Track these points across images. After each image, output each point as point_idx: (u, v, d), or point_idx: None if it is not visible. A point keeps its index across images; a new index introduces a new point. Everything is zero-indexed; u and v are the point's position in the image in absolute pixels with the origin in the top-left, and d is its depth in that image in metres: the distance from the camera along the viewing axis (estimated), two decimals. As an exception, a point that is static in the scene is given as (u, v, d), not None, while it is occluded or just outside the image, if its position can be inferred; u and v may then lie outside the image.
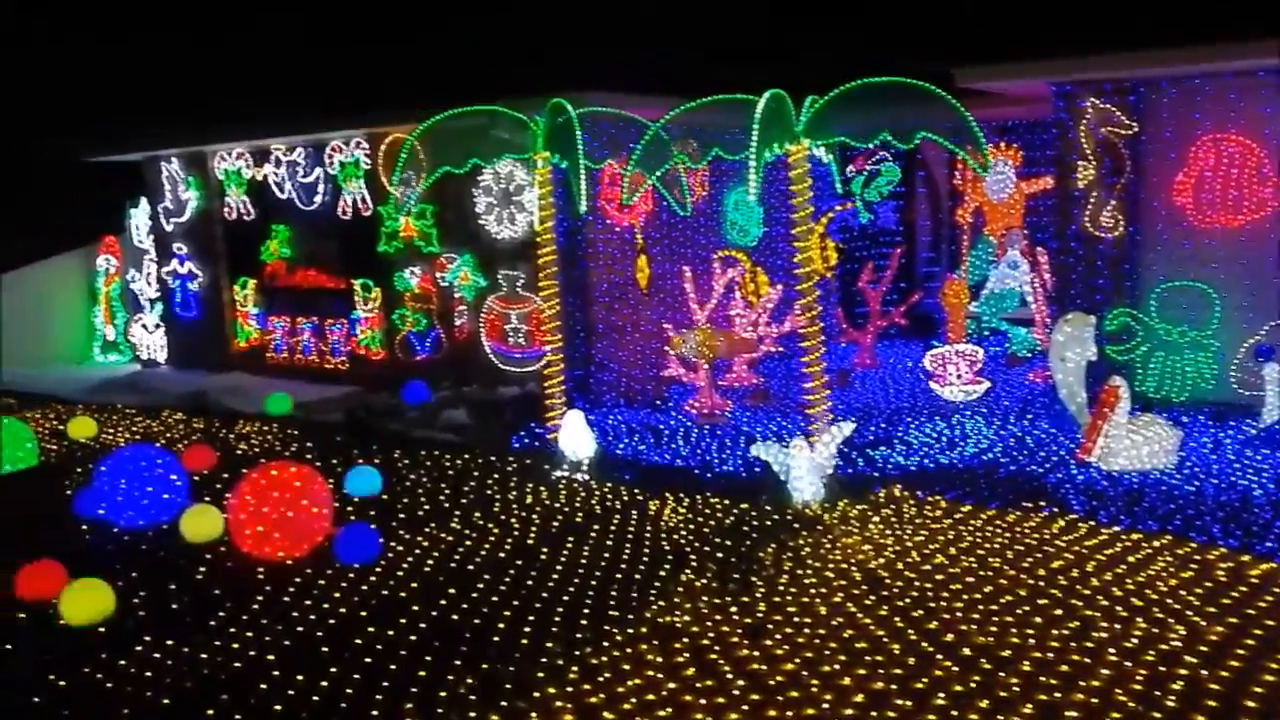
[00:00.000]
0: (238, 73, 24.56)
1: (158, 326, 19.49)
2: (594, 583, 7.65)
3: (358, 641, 6.83)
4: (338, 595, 7.70)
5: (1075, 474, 9.74)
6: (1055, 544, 8.00)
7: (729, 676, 6.07)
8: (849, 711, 5.62)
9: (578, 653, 6.47)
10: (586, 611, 7.11)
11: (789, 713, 5.64)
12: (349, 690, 6.16)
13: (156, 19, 25.62)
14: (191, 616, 7.43)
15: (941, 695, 5.70)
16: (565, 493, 10.05)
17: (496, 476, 10.76)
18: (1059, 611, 6.75)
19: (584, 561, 8.13)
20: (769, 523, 8.80)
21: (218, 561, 8.59)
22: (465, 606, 7.33)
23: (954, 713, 5.54)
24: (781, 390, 14.08)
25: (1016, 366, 14.70)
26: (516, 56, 23.60)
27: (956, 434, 11.30)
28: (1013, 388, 13.50)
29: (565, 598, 7.39)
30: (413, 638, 6.84)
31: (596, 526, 8.96)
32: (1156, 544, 7.93)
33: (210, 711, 6.02)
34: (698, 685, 5.99)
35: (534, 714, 5.78)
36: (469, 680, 6.17)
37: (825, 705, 5.69)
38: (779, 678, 6.02)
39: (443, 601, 7.43)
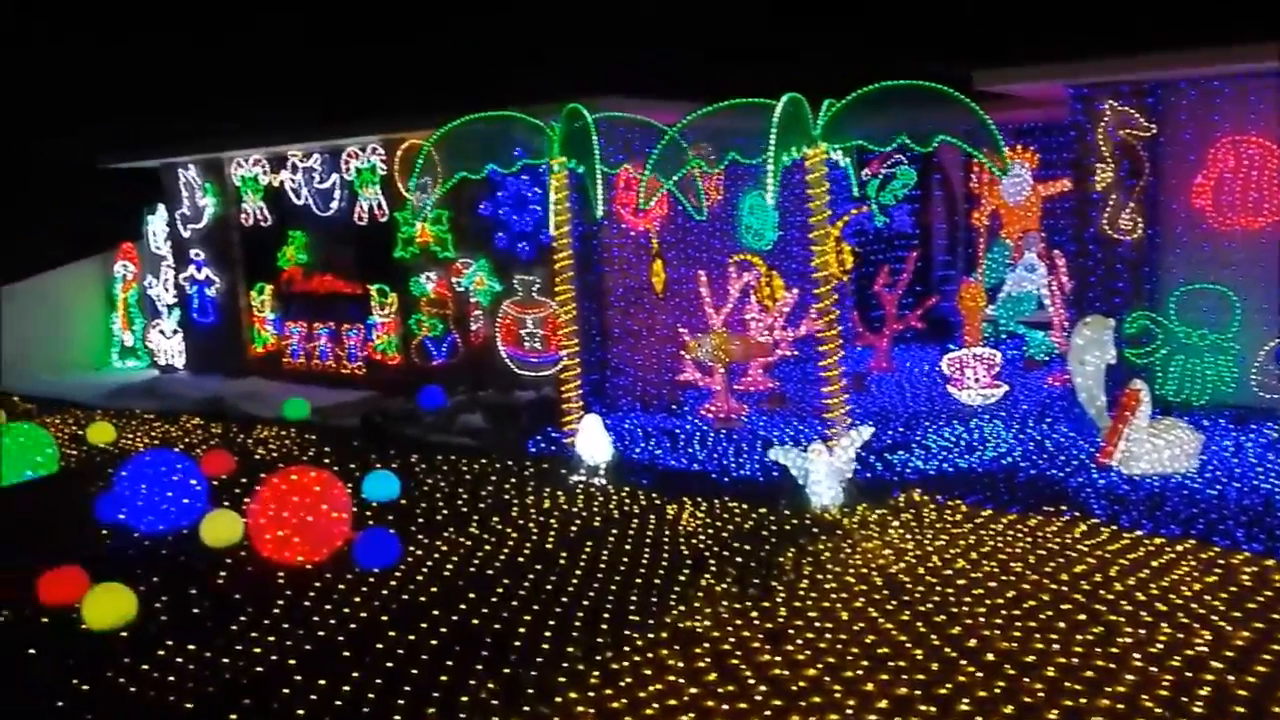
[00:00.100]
0: (252, 78, 24.68)
1: (175, 332, 19.60)
2: (613, 587, 7.65)
3: (379, 646, 6.84)
4: (358, 600, 7.72)
5: (1096, 478, 9.68)
6: (1077, 549, 7.95)
7: (751, 682, 6.05)
8: (873, 717, 5.59)
9: (598, 657, 6.47)
10: (606, 616, 7.11)
11: (812, 718, 5.62)
12: (371, 695, 6.17)
13: (171, 21, 25.77)
14: (213, 621, 7.46)
15: (966, 701, 5.67)
16: (583, 497, 10.04)
17: (513, 481, 10.77)
18: (1082, 617, 6.70)
19: (603, 566, 8.13)
20: (788, 527, 8.78)
21: (238, 566, 8.62)
22: (485, 611, 7.33)
23: (978, 719, 5.51)
24: (797, 394, 14.06)
25: (1034, 370, 14.64)
26: (520, 58, 23.64)
27: (975, 438, 11.25)
28: (1031, 391, 13.44)
29: (585, 602, 7.38)
30: (433, 642, 6.85)
31: (615, 531, 8.96)
32: (1179, 548, 7.88)
33: (233, 716, 6.04)
34: (719, 690, 5.98)
35: (556, 719, 5.77)
36: (490, 685, 6.17)
37: (849, 711, 5.67)
38: (801, 683, 5.99)
39: (463, 606, 7.44)
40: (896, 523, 8.72)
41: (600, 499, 9.96)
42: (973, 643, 6.38)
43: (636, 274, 14.07)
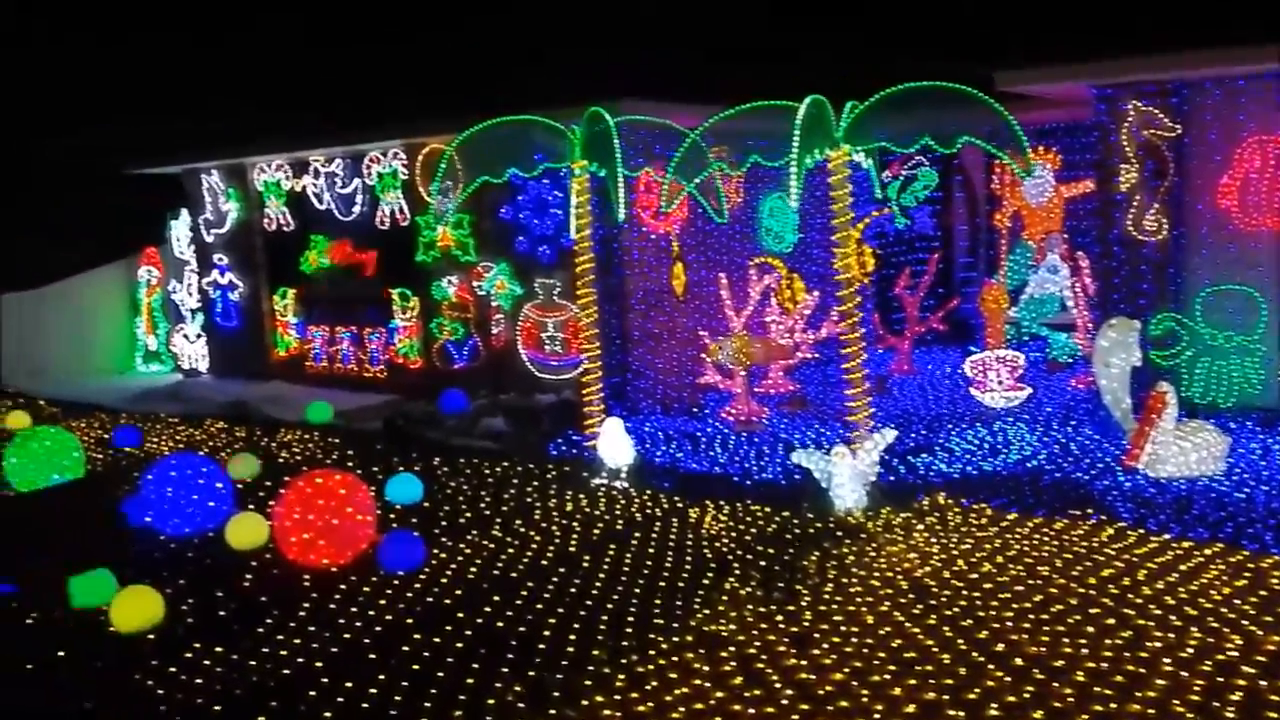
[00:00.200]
0: (274, 83, 24.85)
1: (199, 336, 19.75)
2: (637, 591, 7.64)
3: (404, 648, 6.86)
4: (383, 602, 7.74)
5: (1122, 481, 9.61)
6: (1104, 552, 7.89)
7: (777, 686, 6.03)
8: (900, 722, 5.57)
9: (624, 661, 6.46)
10: (631, 619, 7.10)
11: (839, 722, 5.60)
12: (397, 697, 6.19)
13: (191, 26, 25.99)
14: (239, 623, 7.50)
15: (994, 706, 5.63)
16: (605, 500, 10.05)
17: (536, 484, 10.78)
18: (1111, 621, 6.65)
19: (626, 569, 8.13)
20: (811, 531, 8.75)
21: (263, 569, 8.67)
22: (510, 614, 7.34)
23: (1008, 723, 5.48)
24: (818, 397, 14.02)
25: (1057, 372, 14.55)
26: (539, 62, 23.70)
27: (999, 441, 11.19)
28: (1055, 393, 13.35)
29: (609, 605, 7.38)
30: (459, 645, 6.86)
31: (637, 534, 8.96)
32: (1208, 552, 7.81)
33: (260, 718, 6.07)
34: (746, 694, 5.96)
35: (582, 722, 5.78)
36: (516, 688, 6.18)
37: (876, 715, 5.64)
38: (828, 687, 5.97)
39: (487, 609, 7.45)
40: (921, 526, 8.68)
41: (622, 502, 9.96)
42: (1000, 647, 6.34)
43: (657, 277, 14.08)
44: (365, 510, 8.81)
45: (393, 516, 9.88)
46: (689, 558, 8.29)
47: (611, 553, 8.51)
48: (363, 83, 24.79)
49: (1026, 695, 5.74)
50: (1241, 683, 5.78)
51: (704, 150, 10.89)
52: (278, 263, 18.20)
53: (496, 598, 7.64)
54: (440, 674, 6.45)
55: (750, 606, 7.20)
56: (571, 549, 8.70)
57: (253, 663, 6.83)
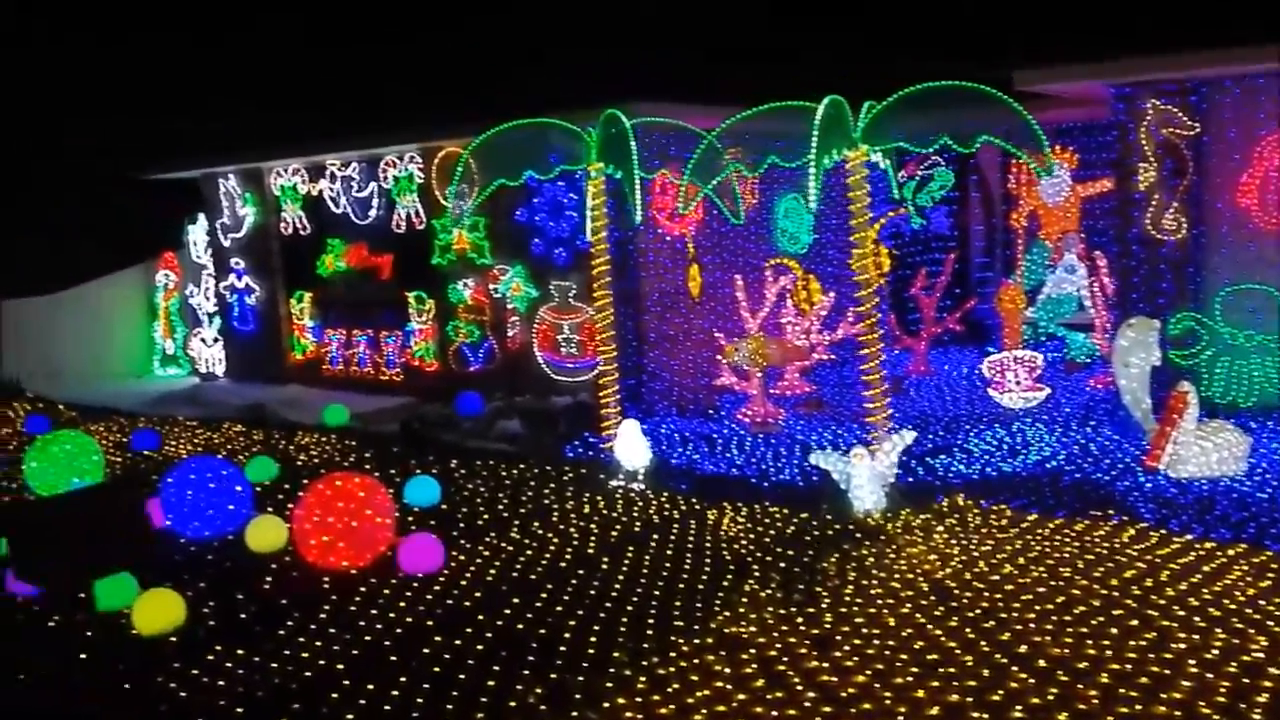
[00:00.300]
0: (294, 88, 24.97)
1: (216, 340, 19.85)
2: (657, 593, 7.64)
3: (425, 651, 6.87)
4: (403, 605, 7.76)
5: (1143, 481, 9.55)
6: (1127, 553, 7.84)
7: (799, 688, 6.02)
8: (924, 724, 5.55)
9: (644, 663, 6.46)
10: (651, 621, 7.09)
11: (863, 725, 5.58)
12: (419, 699, 6.20)
13: (202, 27, 26.14)
14: (260, 626, 7.53)
15: (1019, 708, 5.60)
16: (623, 502, 10.05)
17: (553, 486, 10.79)
18: (1135, 622, 6.61)
19: (645, 571, 8.12)
20: (830, 532, 8.73)
21: (283, 571, 8.70)
22: (530, 616, 7.34)
23: (1032, 726, 5.45)
24: (834, 398, 13.99)
25: (1075, 372, 14.48)
26: (551, 64, 23.75)
27: (1018, 441, 11.14)
28: (1073, 394, 13.28)
29: (629, 607, 7.38)
30: (479, 647, 6.87)
31: (656, 536, 8.95)
32: (1231, 552, 7.75)
33: (283, 720, 6.10)
34: (768, 697, 5.95)
35: (605, 724, 5.78)
36: (538, 690, 6.18)
37: (900, 718, 5.62)
38: (851, 690, 5.95)
39: (507, 611, 7.46)
40: (941, 528, 8.65)
41: (640, 504, 9.95)
42: (1024, 649, 6.31)
43: (673, 279, 14.07)
44: (384, 512, 8.83)
45: (411, 519, 9.90)
46: (708, 559, 8.28)
47: (630, 555, 8.51)
48: (379, 86, 24.90)
49: (1051, 697, 5.71)
50: (1268, 684, 5.74)
51: (720, 152, 10.88)
52: (294, 266, 18.28)
53: (516, 600, 7.65)
54: (461, 676, 6.45)
55: (771, 608, 7.18)
56: (590, 551, 8.70)
57: (274, 665, 6.85)
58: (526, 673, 6.42)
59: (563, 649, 6.74)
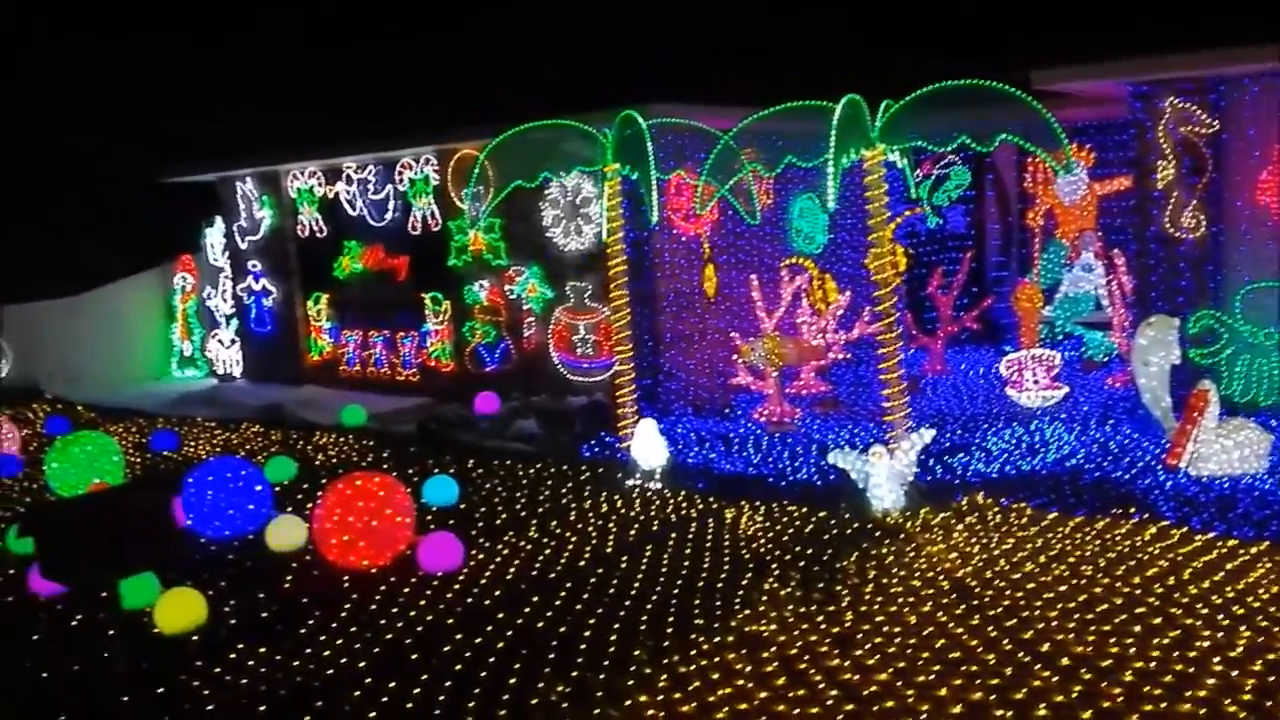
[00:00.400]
0: (310, 90, 25.10)
1: (233, 342, 19.95)
2: (676, 591, 7.64)
3: (446, 649, 6.89)
4: (423, 603, 7.79)
5: (1163, 479, 9.50)
6: (1148, 551, 7.81)
7: (821, 686, 6.01)
8: (947, 722, 5.53)
9: (665, 661, 6.46)
10: (671, 620, 7.10)
11: (885, 723, 5.57)
12: (441, 697, 6.22)
13: (216, 29, 26.30)
14: (282, 624, 7.57)
15: (1043, 706, 5.58)
16: (640, 501, 10.06)
17: (570, 486, 10.81)
18: (1158, 620, 6.58)
19: (664, 570, 8.13)
20: (849, 531, 8.72)
21: (304, 570, 8.74)
22: (550, 615, 7.36)
23: (1056, 724, 5.43)
24: (850, 397, 13.97)
25: (1093, 371, 14.41)
26: (569, 66, 23.79)
27: (1036, 440, 11.10)
28: (1091, 393, 13.23)
29: (649, 606, 7.38)
30: (500, 645, 6.88)
31: (674, 535, 8.95)
32: (1254, 550, 7.70)
33: (306, 718, 6.11)
34: (789, 695, 5.94)
35: (626, 722, 5.78)
36: (560, 688, 6.19)
37: (923, 716, 5.61)
38: (873, 688, 5.94)
39: (527, 609, 7.48)
40: (961, 526, 8.63)
41: (657, 503, 9.96)
42: (1047, 647, 6.29)
43: (688, 279, 14.08)
44: (404, 511, 8.86)
45: (430, 518, 9.93)
46: (726, 558, 8.29)
47: (649, 554, 8.52)
48: (394, 89, 24.99)
49: (1075, 695, 5.69)
50: (1294, 682, 5.70)
51: (736, 152, 10.89)
52: (311, 268, 18.37)
53: (536, 598, 7.67)
54: (483, 674, 6.47)
55: (790, 607, 7.18)
56: (608, 550, 8.72)
57: (296, 663, 6.89)
58: (548, 671, 6.44)
59: (583, 647, 6.75)
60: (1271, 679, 5.75)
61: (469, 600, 7.79)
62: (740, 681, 6.14)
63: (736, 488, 10.21)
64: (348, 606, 7.82)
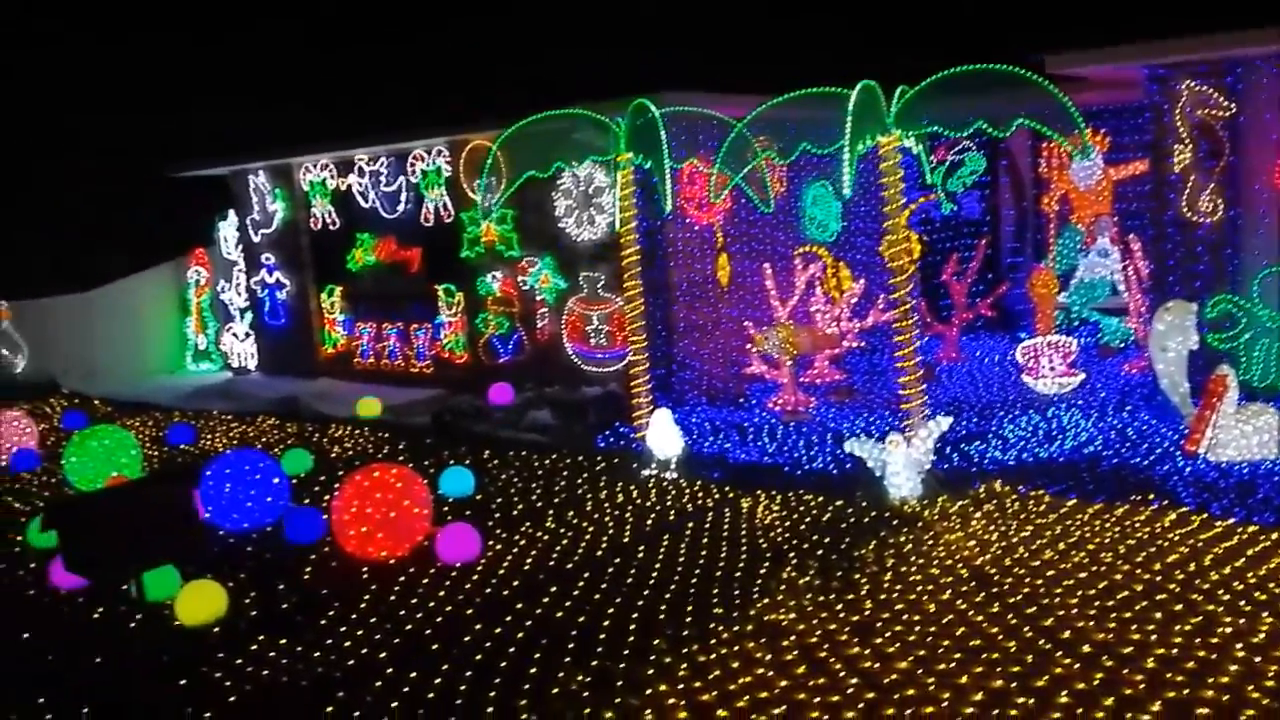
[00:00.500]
0: (322, 83, 25.12)
1: (248, 335, 20.02)
2: (694, 581, 7.65)
3: (466, 639, 6.92)
4: (442, 594, 7.82)
5: (1182, 466, 9.46)
6: (1168, 538, 7.78)
7: (841, 675, 6.01)
8: (969, 710, 5.52)
9: (685, 650, 6.47)
10: (690, 609, 7.11)
11: (907, 711, 5.56)
12: (462, 687, 6.24)
13: (229, 23, 26.34)
14: (302, 616, 7.60)
15: (1065, 693, 5.57)
16: (656, 491, 10.06)
17: (585, 476, 10.82)
18: (1179, 607, 6.55)
19: (682, 559, 8.13)
20: (866, 520, 8.70)
21: (323, 562, 8.78)
22: (568, 604, 7.38)
23: (1079, 711, 5.41)
24: (865, 386, 13.94)
25: (1109, 357, 14.35)
26: (578, 56, 23.74)
27: (1054, 427, 11.05)
28: (1108, 379, 13.17)
29: (667, 595, 7.39)
30: (519, 635, 6.90)
31: (690, 524, 8.96)
32: (1275, 536, 7.66)
33: (329, 709, 6.14)
34: (810, 684, 5.94)
35: (648, 712, 5.79)
36: (580, 678, 6.21)
37: (944, 703, 5.60)
38: (893, 676, 5.94)
39: (545, 599, 7.50)
40: (979, 514, 8.61)
41: (673, 493, 9.97)
42: (1067, 634, 6.27)
43: (701, 268, 14.05)
44: (422, 503, 8.89)
45: (446, 509, 9.96)
46: (744, 548, 8.29)
47: (666, 543, 8.52)
48: (406, 80, 24.98)
49: (1097, 682, 5.68)
50: (1318, 668, 5.68)
51: (750, 140, 10.84)
52: (324, 261, 18.39)
53: (554, 588, 7.68)
54: (503, 664, 6.49)
55: (809, 596, 7.18)
56: (625, 540, 8.73)
57: (317, 654, 6.92)
58: (568, 660, 6.45)
59: (603, 637, 6.76)
60: (1295, 665, 5.73)
61: (488, 591, 7.82)
62: (760, 670, 6.15)
63: (752, 477, 10.20)
64: (367, 598, 7.85)
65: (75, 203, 24.11)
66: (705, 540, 8.54)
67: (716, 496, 9.74)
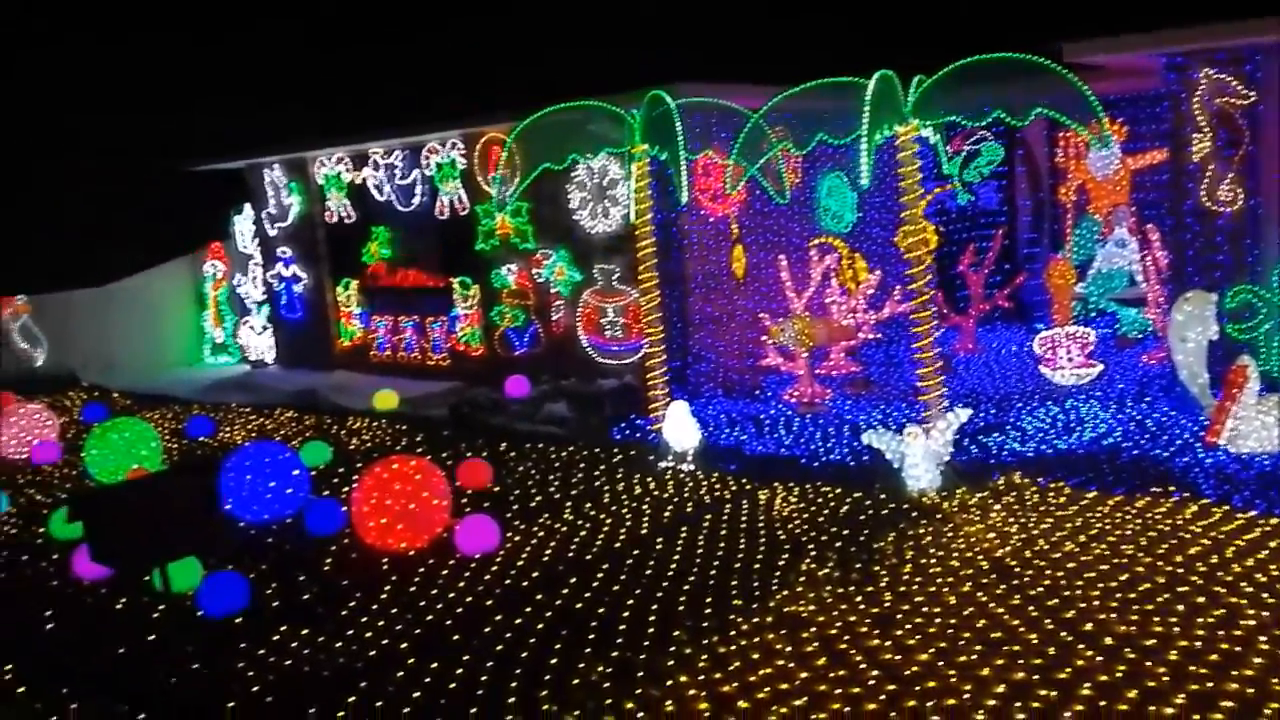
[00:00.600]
0: (336, 76, 25.15)
1: (265, 328, 20.11)
2: (713, 572, 7.66)
3: (486, 630, 6.95)
4: (462, 585, 7.86)
5: (1203, 457, 9.41)
6: (1190, 529, 7.74)
7: (862, 666, 6.02)
8: (991, 702, 5.52)
9: (705, 642, 6.49)
10: (710, 600, 7.12)
11: (928, 703, 5.57)
12: (484, 677, 6.28)
13: (243, 18, 26.39)
14: (323, 607, 7.65)
15: (1087, 686, 5.56)
16: (673, 483, 10.08)
17: (602, 468, 10.84)
18: (1201, 599, 6.53)
19: (700, 551, 8.15)
20: (885, 512, 8.70)
21: (342, 553, 8.83)
22: (588, 595, 7.40)
23: (1102, 703, 5.40)
24: (881, 377, 13.91)
25: (1127, 348, 14.27)
26: (592, 48, 23.70)
27: (1072, 419, 11.01)
28: (1127, 370, 13.10)
29: (687, 587, 7.41)
30: (539, 626, 6.93)
31: (708, 516, 8.97)
32: (1297, 528, 7.63)
33: (351, 699, 6.19)
34: (830, 675, 5.95)
35: (669, 703, 5.81)
36: (600, 668, 6.23)
37: (965, 695, 5.60)
38: (914, 668, 5.94)
39: (565, 590, 7.52)
40: (998, 506, 8.59)
41: (690, 485, 9.98)
42: (1089, 626, 6.26)
43: (716, 260, 14.04)
44: (441, 494, 8.92)
45: (465, 501, 10.00)
46: (762, 539, 8.29)
47: (684, 535, 8.54)
48: (420, 74, 24.99)
49: (1119, 675, 5.67)
50: (1342, 660, 5.65)
51: (765, 131, 10.81)
52: (340, 254, 18.46)
53: (574, 580, 7.71)
54: (524, 654, 6.53)
55: (829, 587, 7.18)
56: (644, 532, 8.75)
57: (339, 644, 6.97)
58: (588, 651, 6.48)
59: (623, 628, 6.79)
60: (1319, 657, 5.71)
61: (507, 582, 7.85)
62: (781, 662, 6.16)
63: (769, 469, 10.20)
64: (388, 589, 7.89)
65: (91, 199, 24.23)
66: (723, 532, 8.55)
67: (734, 488, 9.75)
